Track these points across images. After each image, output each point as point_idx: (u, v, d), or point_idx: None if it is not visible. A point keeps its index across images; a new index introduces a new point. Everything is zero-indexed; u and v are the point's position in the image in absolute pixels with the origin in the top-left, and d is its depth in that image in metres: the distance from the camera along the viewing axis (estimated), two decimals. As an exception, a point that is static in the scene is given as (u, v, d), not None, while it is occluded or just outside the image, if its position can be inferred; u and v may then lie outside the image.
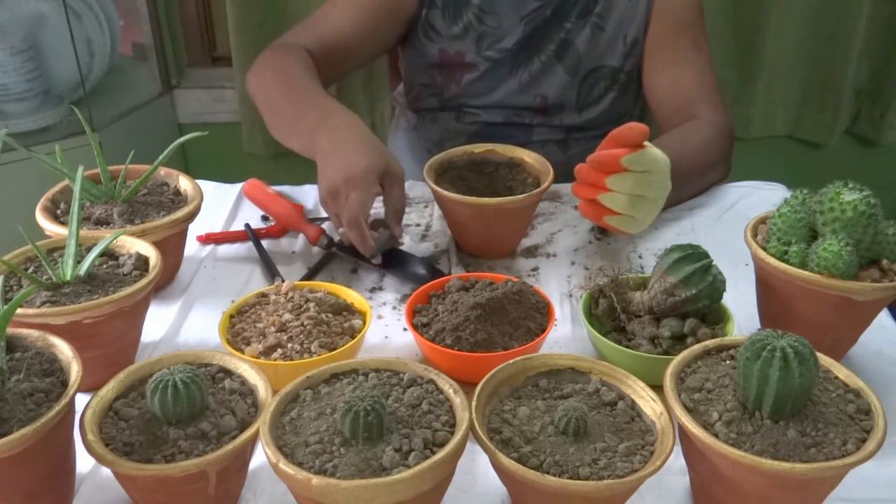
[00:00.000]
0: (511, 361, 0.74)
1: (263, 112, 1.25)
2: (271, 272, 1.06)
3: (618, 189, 0.95)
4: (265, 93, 1.24)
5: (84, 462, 0.73)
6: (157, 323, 0.96)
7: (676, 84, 1.32)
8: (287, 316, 0.86)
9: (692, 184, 1.21)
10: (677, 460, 0.73)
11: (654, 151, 0.95)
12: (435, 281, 0.95)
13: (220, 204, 1.23)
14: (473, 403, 0.68)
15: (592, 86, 1.38)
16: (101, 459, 0.65)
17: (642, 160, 0.94)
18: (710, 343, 0.75)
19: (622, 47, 1.35)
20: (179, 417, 0.68)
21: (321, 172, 1.04)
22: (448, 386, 0.70)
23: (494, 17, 1.33)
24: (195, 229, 1.13)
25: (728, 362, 0.73)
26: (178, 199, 1.05)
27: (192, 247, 1.12)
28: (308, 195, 1.27)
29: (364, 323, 0.89)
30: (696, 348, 0.75)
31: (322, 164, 1.04)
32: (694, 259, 0.86)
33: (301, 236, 1.15)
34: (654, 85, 1.35)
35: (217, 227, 1.17)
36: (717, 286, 0.87)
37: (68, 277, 0.85)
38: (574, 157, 1.43)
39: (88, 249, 0.88)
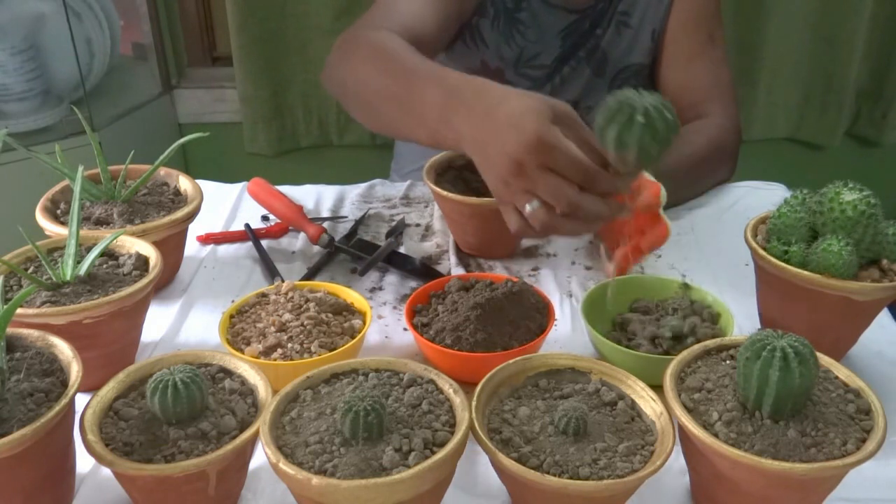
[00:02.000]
0: (511, 361, 0.74)
1: (359, 103, 1.08)
2: (271, 272, 1.06)
3: None
4: (363, 80, 1.04)
5: (84, 462, 0.73)
6: (157, 323, 0.96)
7: (690, 81, 1.30)
8: (287, 316, 0.86)
9: (691, 186, 1.20)
10: (677, 460, 0.73)
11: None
12: (435, 281, 0.95)
13: (220, 204, 1.23)
14: (473, 403, 0.68)
15: (622, 85, 1.36)
16: (101, 459, 0.65)
17: None
18: (710, 343, 0.75)
19: (650, 43, 1.33)
20: (179, 417, 0.68)
21: (483, 160, 0.86)
22: (448, 386, 0.70)
23: (535, 31, 1.31)
24: (195, 229, 1.13)
25: (728, 362, 0.73)
26: (178, 199, 1.05)
27: (192, 247, 1.12)
28: (308, 195, 1.27)
29: (364, 323, 0.89)
30: (696, 348, 0.75)
31: (478, 149, 0.86)
32: (608, 110, 0.78)
33: (301, 236, 1.15)
34: (667, 80, 1.33)
35: (217, 227, 1.17)
36: (652, 127, 0.76)
37: (68, 277, 0.85)
38: None
39: (88, 249, 0.88)
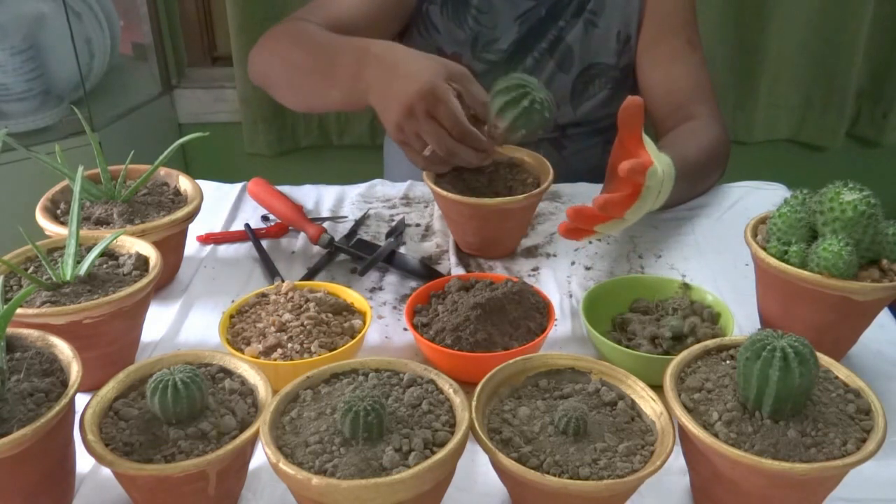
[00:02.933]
0: (511, 361, 0.74)
1: (281, 81, 1.22)
2: (271, 272, 1.06)
3: (611, 228, 0.96)
4: (282, 59, 1.20)
5: (84, 462, 0.73)
6: (157, 323, 0.97)
7: (673, 83, 1.31)
8: (287, 316, 0.86)
9: (689, 191, 1.21)
10: (677, 460, 0.73)
11: (654, 180, 0.92)
12: (435, 281, 0.95)
13: (220, 204, 1.23)
14: (473, 403, 0.68)
15: (587, 83, 1.38)
16: (101, 459, 0.65)
17: (643, 202, 0.93)
18: (710, 343, 0.75)
19: (616, 45, 1.35)
20: (179, 417, 0.68)
21: (383, 105, 1.01)
22: (448, 386, 0.70)
23: (490, 16, 1.33)
24: (195, 229, 1.13)
25: (728, 362, 0.73)
26: (178, 199, 1.05)
27: (192, 247, 1.12)
28: (308, 195, 1.27)
29: (364, 323, 0.89)
30: (696, 348, 0.75)
31: (380, 95, 1.01)
32: (508, 91, 0.95)
33: (301, 236, 1.15)
34: (650, 84, 1.35)
35: (217, 227, 1.17)
36: (533, 110, 0.94)
37: (68, 277, 0.85)
38: (569, 156, 1.42)
39: (88, 249, 0.88)
